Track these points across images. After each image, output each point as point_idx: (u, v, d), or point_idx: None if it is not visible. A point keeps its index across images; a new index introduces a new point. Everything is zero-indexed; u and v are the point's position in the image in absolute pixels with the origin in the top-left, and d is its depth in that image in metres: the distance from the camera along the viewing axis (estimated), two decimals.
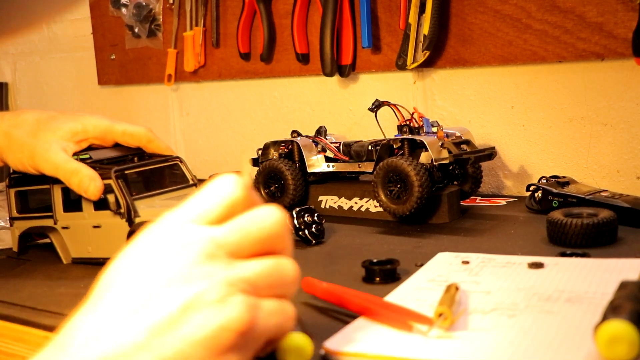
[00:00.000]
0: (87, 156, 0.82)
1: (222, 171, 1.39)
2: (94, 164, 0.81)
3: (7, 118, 0.83)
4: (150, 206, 0.79)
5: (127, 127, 0.84)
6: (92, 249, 0.82)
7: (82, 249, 0.83)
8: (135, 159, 0.84)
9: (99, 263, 0.78)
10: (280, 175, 1.04)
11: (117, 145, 0.86)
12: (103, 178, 0.79)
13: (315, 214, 0.88)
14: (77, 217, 0.83)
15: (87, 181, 0.78)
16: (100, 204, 0.80)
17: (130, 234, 0.77)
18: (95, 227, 0.81)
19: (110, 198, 0.78)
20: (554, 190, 0.95)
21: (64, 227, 0.84)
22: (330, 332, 0.55)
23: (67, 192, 0.84)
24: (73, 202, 0.84)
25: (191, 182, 0.85)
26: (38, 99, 1.74)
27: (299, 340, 0.47)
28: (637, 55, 0.92)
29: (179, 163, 0.86)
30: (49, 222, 0.85)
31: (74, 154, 0.82)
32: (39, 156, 0.79)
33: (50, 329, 0.64)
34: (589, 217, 0.80)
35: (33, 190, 0.87)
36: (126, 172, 0.80)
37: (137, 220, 0.77)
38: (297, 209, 0.87)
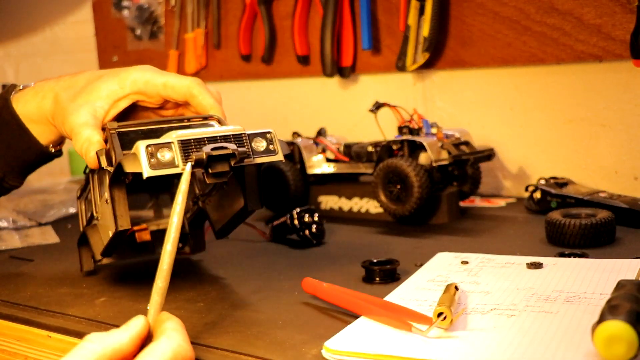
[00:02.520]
0: (115, 126, 0.68)
1: None
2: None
3: (63, 80, 0.75)
4: None
5: (169, 79, 0.72)
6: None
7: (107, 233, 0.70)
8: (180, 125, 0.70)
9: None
10: (281, 176, 1.04)
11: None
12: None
13: (316, 215, 0.88)
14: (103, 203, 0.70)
15: (86, 144, 0.68)
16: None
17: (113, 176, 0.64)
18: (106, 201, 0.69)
19: (103, 160, 0.66)
20: (553, 191, 0.96)
21: (97, 218, 0.73)
22: (331, 332, 0.55)
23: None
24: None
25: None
26: None
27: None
28: (635, 57, 0.92)
29: (216, 123, 0.71)
30: (94, 220, 0.74)
31: (110, 126, 0.68)
32: (66, 120, 0.71)
33: (52, 328, 0.65)
34: (588, 217, 0.81)
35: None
36: (126, 129, 0.68)
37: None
38: (298, 210, 0.87)
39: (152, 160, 0.60)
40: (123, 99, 0.73)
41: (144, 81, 0.72)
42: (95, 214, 0.72)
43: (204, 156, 0.59)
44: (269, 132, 0.65)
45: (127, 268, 0.82)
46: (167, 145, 0.60)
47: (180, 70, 1.46)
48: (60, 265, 0.84)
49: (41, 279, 0.79)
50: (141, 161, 0.60)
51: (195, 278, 0.77)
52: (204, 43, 1.43)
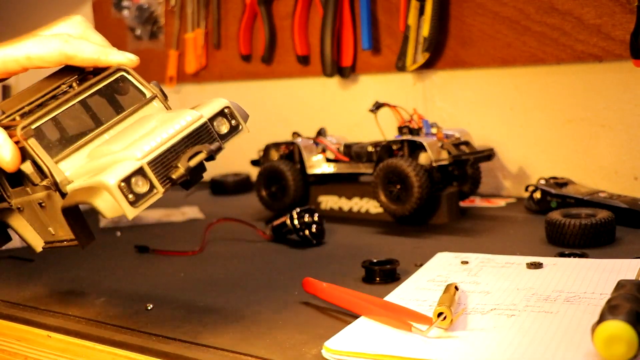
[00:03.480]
0: (25, 123, 0.57)
1: (223, 172, 1.39)
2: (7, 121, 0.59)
3: None
4: (94, 157, 0.57)
5: (31, 50, 0.59)
6: (55, 230, 0.62)
7: (44, 231, 0.63)
8: (75, 85, 0.61)
9: (68, 246, 0.62)
10: (281, 176, 1.04)
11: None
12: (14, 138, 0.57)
13: (316, 215, 0.88)
14: (23, 193, 0.62)
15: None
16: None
17: (65, 210, 0.56)
18: (40, 204, 0.61)
19: (27, 169, 0.57)
20: (553, 191, 0.96)
21: (18, 209, 0.64)
22: (331, 332, 0.55)
23: None
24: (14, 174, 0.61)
25: (148, 95, 0.62)
26: None
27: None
28: (635, 57, 0.92)
29: (125, 74, 0.62)
30: (4, 205, 0.65)
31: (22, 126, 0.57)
32: None
33: (52, 328, 0.65)
34: (587, 217, 0.81)
35: None
36: (40, 124, 0.57)
37: (69, 188, 0.56)
38: (298, 210, 0.88)
39: (129, 196, 0.51)
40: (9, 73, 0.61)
41: (1, 60, 0.59)
42: (9, 202, 0.63)
43: (184, 172, 0.54)
44: (226, 107, 0.59)
45: (127, 268, 0.82)
46: (139, 172, 0.52)
47: (181, 70, 1.47)
48: (60, 265, 0.85)
49: (41, 279, 0.79)
50: (120, 202, 0.51)
51: (195, 278, 0.77)
52: (204, 43, 1.43)
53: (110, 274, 0.80)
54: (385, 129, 1.01)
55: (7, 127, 0.57)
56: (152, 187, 0.53)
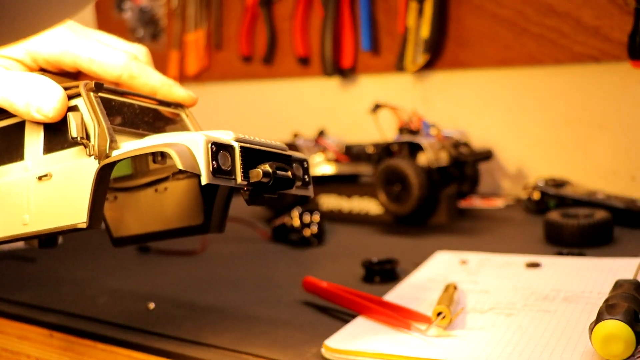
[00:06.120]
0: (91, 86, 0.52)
1: None
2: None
3: None
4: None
5: (97, 56, 0.54)
6: (32, 217, 0.52)
7: (14, 221, 0.53)
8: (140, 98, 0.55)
9: (40, 239, 0.54)
10: None
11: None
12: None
13: (316, 215, 0.88)
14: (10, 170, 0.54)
15: (44, 86, 0.50)
16: (56, 140, 0.52)
17: (101, 173, 0.48)
18: (41, 177, 0.52)
19: (76, 118, 0.49)
20: (551, 192, 0.96)
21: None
22: (331, 331, 0.56)
23: None
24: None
25: None
26: None
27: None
28: (632, 58, 0.93)
29: (183, 115, 0.58)
30: None
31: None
32: None
33: (54, 327, 0.65)
34: (585, 217, 0.81)
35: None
36: (107, 95, 0.52)
37: (114, 154, 0.49)
38: (298, 210, 0.88)
39: (213, 163, 0.45)
40: (25, 67, 0.55)
41: (60, 51, 0.54)
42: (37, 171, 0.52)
43: (271, 173, 0.48)
44: (305, 161, 0.54)
45: (127, 268, 0.83)
46: (229, 149, 0.47)
47: (182, 71, 1.47)
48: (61, 265, 0.85)
49: (43, 279, 0.80)
50: (199, 162, 0.45)
51: (195, 277, 0.77)
52: (205, 44, 1.43)
53: (112, 274, 0.80)
54: (385, 130, 1.02)
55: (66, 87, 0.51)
56: (233, 170, 0.47)
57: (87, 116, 0.49)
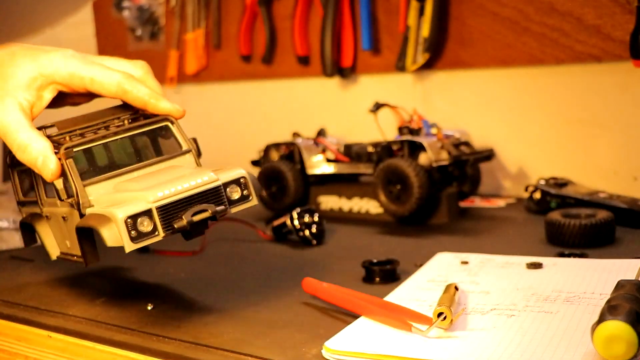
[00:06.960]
0: (51, 125, 0.65)
1: None
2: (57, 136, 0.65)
3: None
4: (118, 190, 0.62)
5: (96, 74, 0.64)
6: (70, 244, 0.67)
7: (62, 243, 0.69)
8: (126, 122, 0.66)
9: (75, 262, 0.67)
10: (281, 176, 1.05)
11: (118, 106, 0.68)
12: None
13: (316, 215, 0.88)
14: (53, 204, 0.67)
15: (41, 159, 0.61)
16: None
17: (78, 229, 0.61)
18: (63, 218, 0.66)
19: (58, 184, 0.62)
20: (552, 192, 0.96)
21: (47, 217, 0.70)
22: (331, 332, 0.56)
23: None
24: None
25: (184, 147, 0.67)
26: None
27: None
28: (634, 57, 0.92)
29: (169, 125, 0.67)
30: (37, 210, 0.71)
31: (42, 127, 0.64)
32: None
33: (53, 328, 0.65)
34: (587, 217, 0.81)
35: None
36: (80, 147, 0.63)
37: (88, 211, 0.61)
38: (298, 210, 0.88)
39: (132, 232, 0.57)
40: (46, 89, 0.65)
41: (68, 73, 0.65)
42: (42, 208, 0.69)
43: (186, 224, 0.58)
44: (242, 177, 0.63)
45: (127, 268, 0.82)
46: (147, 213, 0.57)
47: (181, 71, 1.47)
48: (60, 265, 0.84)
49: (42, 279, 0.79)
50: (122, 235, 0.56)
51: (195, 278, 0.77)
52: (204, 43, 1.43)
53: (111, 274, 0.80)
54: (385, 130, 1.02)
55: (56, 144, 0.63)
56: (154, 229, 0.58)
57: (69, 177, 0.61)
